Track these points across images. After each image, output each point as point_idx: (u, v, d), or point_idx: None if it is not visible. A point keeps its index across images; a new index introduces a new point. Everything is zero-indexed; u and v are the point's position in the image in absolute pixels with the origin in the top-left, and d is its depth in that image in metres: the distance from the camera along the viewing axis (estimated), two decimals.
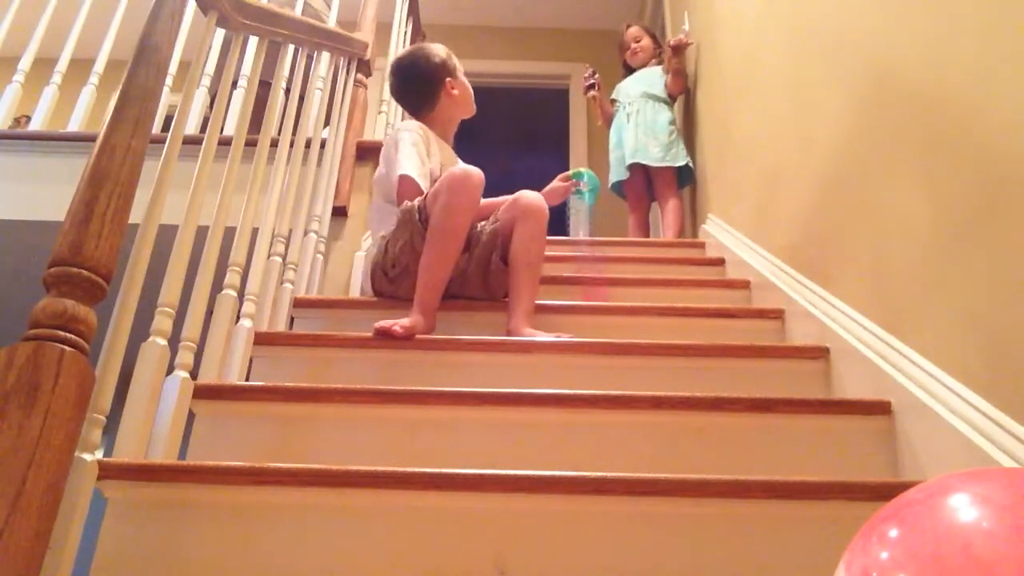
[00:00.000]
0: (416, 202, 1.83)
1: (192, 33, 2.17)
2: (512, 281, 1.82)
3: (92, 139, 1.08)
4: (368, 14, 2.71)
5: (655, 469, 1.10)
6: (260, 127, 1.72)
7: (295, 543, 1.03)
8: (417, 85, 2.15)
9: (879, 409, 1.35)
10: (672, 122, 3.22)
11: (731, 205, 2.64)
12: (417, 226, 1.80)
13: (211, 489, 1.07)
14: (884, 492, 0.95)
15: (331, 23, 2.71)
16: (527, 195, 1.90)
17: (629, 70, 3.52)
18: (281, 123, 1.89)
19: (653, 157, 3.13)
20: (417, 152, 1.94)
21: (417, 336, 1.62)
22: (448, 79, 2.14)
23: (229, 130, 2.15)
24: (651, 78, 3.36)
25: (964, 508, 0.54)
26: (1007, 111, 1.10)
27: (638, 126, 3.20)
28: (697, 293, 2.13)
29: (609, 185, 3.22)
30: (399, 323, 1.60)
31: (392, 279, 1.87)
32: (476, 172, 1.79)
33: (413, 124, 2.05)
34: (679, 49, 3.26)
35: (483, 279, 1.88)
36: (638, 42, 3.49)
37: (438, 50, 2.18)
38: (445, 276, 1.78)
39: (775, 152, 2.14)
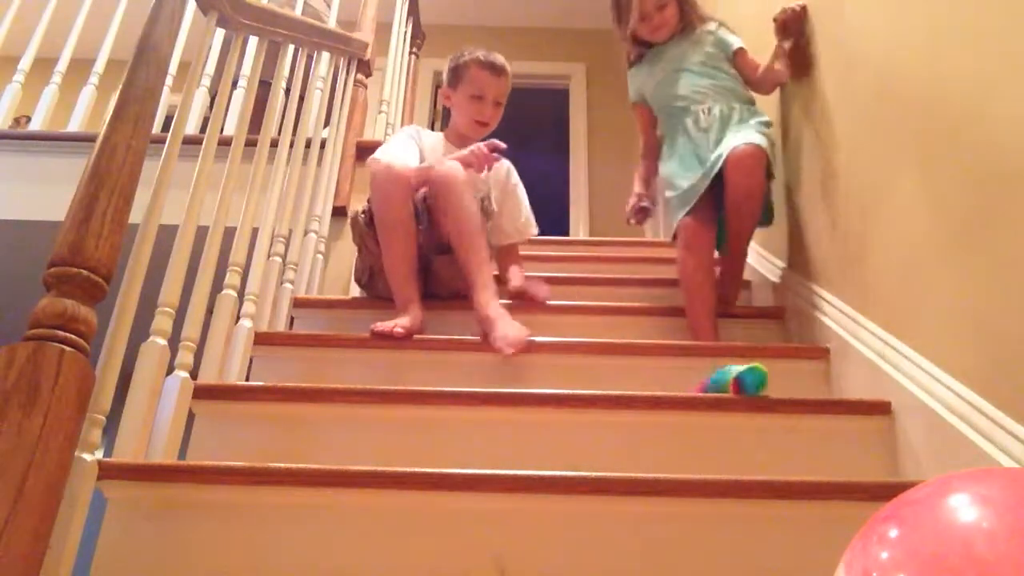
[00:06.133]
0: (361, 207, 1.87)
1: (192, 33, 2.17)
2: (460, 262, 1.73)
3: (92, 139, 1.08)
4: (368, 14, 2.71)
5: (655, 469, 1.10)
6: (260, 127, 1.72)
7: (295, 543, 1.03)
8: None
9: (879, 409, 1.35)
10: (768, 124, 1.93)
11: None
12: (363, 228, 1.83)
13: (211, 489, 1.07)
14: (884, 492, 0.94)
15: (331, 23, 2.71)
16: (436, 168, 1.78)
17: (640, 48, 2.13)
18: (281, 123, 1.89)
19: (737, 141, 1.80)
20: (398, 142, 1.94)
21: (416, 336, 1.62)
22: (443, 88, 2.04)
23: (229, 130, 2.15)
24: (703, 56, 2.01)
25: (964, 508, 0.54)
26: (1006, 110, 1.10)
27: (720, 142, 1.87)
28: None
29: (674, 235, 1.94)
30: (399, 324, 1.60)
31: (366, 285, 1.92)
32: (398, 162, 1.78)
33: (408, 126, 2.08)
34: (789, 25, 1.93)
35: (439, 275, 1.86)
36: (661, 10, 2.03)
37: (458, 55, 2.00)
38: (408, 267, 1.75)
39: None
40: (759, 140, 1.78)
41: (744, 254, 1.92)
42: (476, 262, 1.70)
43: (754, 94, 2.01)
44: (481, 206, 1.89)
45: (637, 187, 2.12)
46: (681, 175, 1.91)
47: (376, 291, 1.89)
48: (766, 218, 1.92)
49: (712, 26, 2.06)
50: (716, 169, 1.79)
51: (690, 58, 2.01)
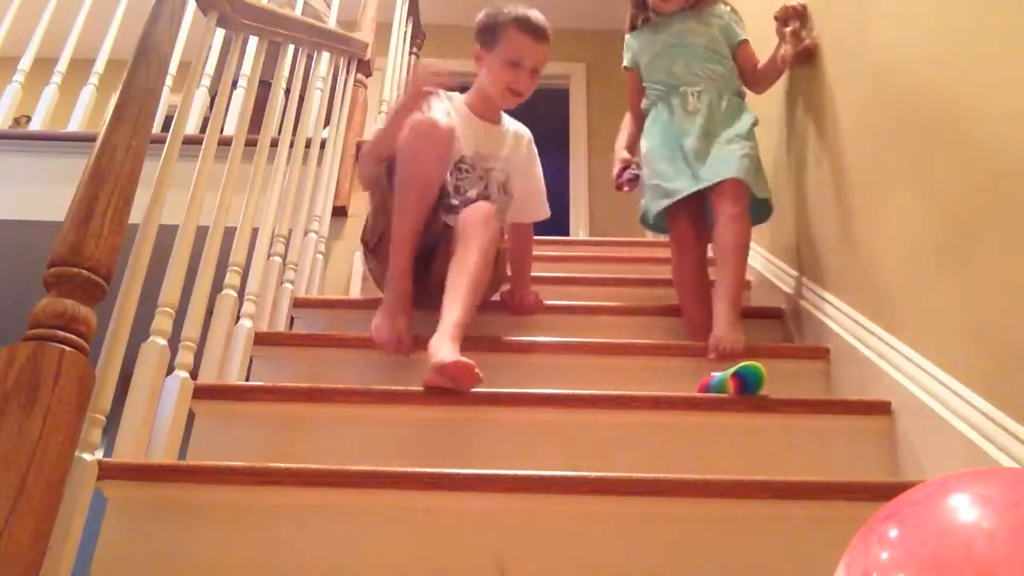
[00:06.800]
0: (384, 162, 1.68)
1: (192, 33, 2.17)
2: (449, 289, 1.52)
3: (92, 139, 1.08)
4: (368, 14, 2.71)
5: (655, 469, 1.10)
6: (260, 127, 1.72)
7: (295, 543, 1.03)
8: None
9: (879, 409, 1.35)
10: (753, 130, 1.88)
11: None
12: (385, 187, 1.65)
13: (211, 489, 1.07)
14: (884, 492, 0.95)
15: (331, 23, 2.71)
16: (470, 209, 1.62)
17: (645, 14, 2.04)
18: (281, 123, 1.89)
19: (719, 170, 1.77)
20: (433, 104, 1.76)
21: (416, 335, 1.59)
22: (478, 47, 1.80)
23: (229, 130, 2.15)
24: (707, 39, 1.94)
25: (964, 508, 0.54)
26: (1007, 109, 1.10)
27: (707, 133, 1.83)
28: None
29: (641, 217, 1.98)
30: (402, 333, 1.54)
31: (373, 250, 1.75)
32: (444, 123, 1.60)
33: None
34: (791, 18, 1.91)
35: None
36: None
37: (494, 12, 1.79)
38: (412, 232, 1.58)
39: (774, 151, 2.13)
40: (742, 173, 1.75)
41: (740, 278, 1.76)
42: (461, 307, 1.47)
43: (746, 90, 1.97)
44: (504, 189, 1.81)
45: (624, 153, 2.05)
46: (661, 158, 1.86)
47: (380, 258, 1.72)
48: (764, 215, 1.88)
49: (724, 11, 1.99)
50: (700, 186, 1.76)
51: (694, 37, 1.93)
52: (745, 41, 1.97)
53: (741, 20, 2.01)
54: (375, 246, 1.75)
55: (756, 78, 1.97)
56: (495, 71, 1.76)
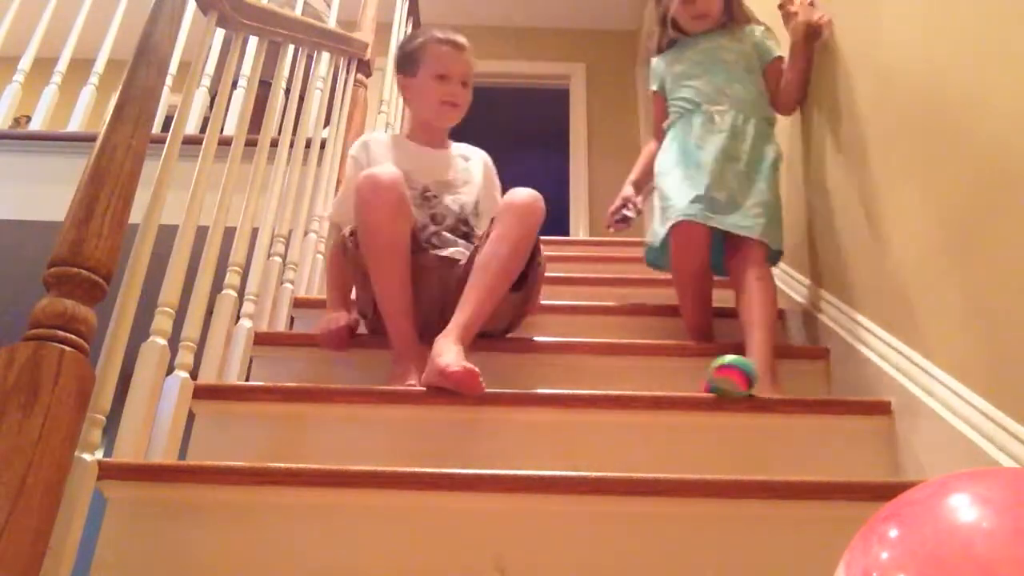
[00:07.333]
0: (347, 230, 1.61)
1: (192, 33, 2.17)
2: (473, 284, 1.49)
3: (92, 139, 1.08)
4: (368, 14, 2.71)
5: (655, 469, 1.10)
6: (260, 127, 1.72)
7: (295, 543, 1.03)
8: None
9: (879, 409, 1.35)
10: (778, 164, 1.80)
11: None
12: (354, 252, 1.57)
13: (211, 489, 1.07)
14: (884, 492, 0.95)
15: (331, 23, 2.71)
16: (511, 194, 1.57)
17: (674, 34, 1.94)
18: (281, 123, 1.89)
19: (741, 223, 1.68)
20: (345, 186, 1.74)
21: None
22: (399, 75, 1.79)
23: (229, 130, 2.15)
24: (738, 54, 1.86)
25: (964, 508, 0.54)
26: (1007, 110, 1.10)
27: (728, 156, 1.72)
28: None
29: (648, 247, 1.86)
30: (410, 383, 1.44)
31: (373, 319, 1.63)
32: (383, 173, 1.49)
33: (359, 140, 1.83)
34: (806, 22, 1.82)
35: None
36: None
37: (409, 38, 1.81)
38: (400, 298, 1.50)
39: (784, 153, 2.13)
40: (761, 234, 1.66)
41: (771, 335, 1.60)
42: (478, 303, 1.46)
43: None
44: (477, 209, 1.74)
45: (627, 189, 1.95)
46: (673, 175, 1.74)
47: (382, 328, 1.57)
48: (776, 254, 1.76)
49: (756, 28, 1.89)
50: (714, 223, 1.66)
51: (724, 54, 1.84)
52: (780, 58, 1.88)
53: (776, 38, 1.91)
54: (374, 316, 1.61)
55: (781, 92, 1.86)
56: (424, 89, 1.73)
